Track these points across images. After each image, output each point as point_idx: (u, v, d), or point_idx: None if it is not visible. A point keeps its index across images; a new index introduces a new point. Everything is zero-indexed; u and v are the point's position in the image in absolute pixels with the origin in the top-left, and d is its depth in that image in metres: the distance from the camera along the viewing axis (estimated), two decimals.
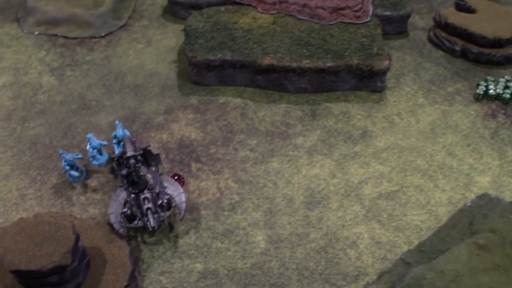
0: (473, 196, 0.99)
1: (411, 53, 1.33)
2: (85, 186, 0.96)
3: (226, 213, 0.92)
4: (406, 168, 1.01)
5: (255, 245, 0.87)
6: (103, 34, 1.37)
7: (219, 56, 1.17)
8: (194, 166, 1.02)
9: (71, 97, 1.13)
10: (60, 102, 1.11)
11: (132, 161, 0.87)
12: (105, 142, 1.00)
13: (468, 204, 0.97)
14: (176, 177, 0.97)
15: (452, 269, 0.79)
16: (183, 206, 0.89)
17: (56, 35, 1.35)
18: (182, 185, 0.96)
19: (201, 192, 0.96)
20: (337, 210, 0.93)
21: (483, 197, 0.99)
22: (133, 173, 0.87)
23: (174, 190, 0.92)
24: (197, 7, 1.41)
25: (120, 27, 1.41)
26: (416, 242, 0.90)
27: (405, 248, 0.89)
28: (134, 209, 0.86)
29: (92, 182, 0.98)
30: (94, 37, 1.37)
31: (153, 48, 1.32)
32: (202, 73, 1.20)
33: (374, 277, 0.85)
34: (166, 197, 0.88)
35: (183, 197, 0.90)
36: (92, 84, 1.19)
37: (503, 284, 0.79)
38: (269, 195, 0.96)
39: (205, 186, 0.97)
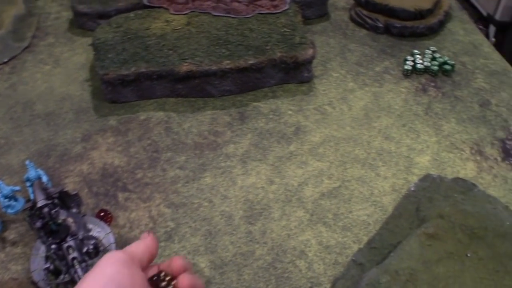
0: (415, 179, 0.95)
1: (334, 36, 1.28)
2: (2, 240, 0.86)
3: (162, 244, 0.84)
4: (345, 161, 0.97)
5: (198, 275, 0.81)
6: (5, 60, 1.24)
7: (133, 69, 1.08)
8: (121, 196, 0.93)
9: None
10: None
11: (45, 210, 0.78)
12: (17, 188, 0.90)
13: (412, 189, 0.94)
14: (102, 214, 0.88)
15: (406, 267, 0.75)
16: (113, 247, 0.81)
17: None
18: (109, 222, 0.88)
19: (133, 225, 0.88)
20: (279, 219, 0.88)
21: (426, 179, 0.96)
22: (50, 222, 0.78)
23: (101, 231, 0.84)
24: (105, 16, 1.31)
25: (24, 49, 1.28)
26: (365, 239, 0.86)
27: (355, 247, 0.84)
28: (57, 262, 0.77)
29: (11, 234, 0.87)
30: None
31: (62, 68, 1.21)
32: (117, 90, 1.10)
33: (328, 285, 0.80)
34: (92, 241, 0.79)
35: (111, 238, 0.82)
36: None
37: (459, 271, 0.76)
38: (205, 215, 0.89)
39: (135, 217, 0.90)
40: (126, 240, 0.86)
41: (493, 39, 2.82)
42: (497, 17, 2.74)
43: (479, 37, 1.33)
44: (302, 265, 0.82)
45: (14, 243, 0.87)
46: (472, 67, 1.23)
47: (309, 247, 0.84)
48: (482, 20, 2.81)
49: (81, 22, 1.36)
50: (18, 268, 0.83)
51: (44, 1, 1.49)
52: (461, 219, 0.81)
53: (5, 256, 0.85)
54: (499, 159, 1.00)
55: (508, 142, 1.04)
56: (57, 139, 1.05)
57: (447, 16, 1.36)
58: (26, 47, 1.30)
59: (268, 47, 1.11)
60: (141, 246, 0.52)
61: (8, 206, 0.90)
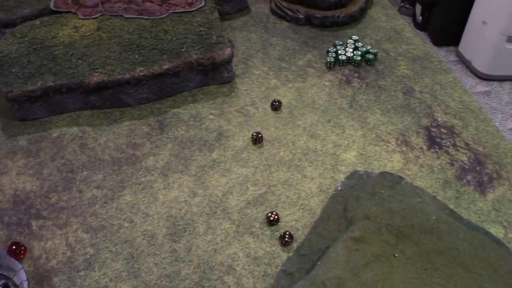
0: (342, 177, 0.94)
1: (255, 30, 1.24)
2: None
3: (82, 273, 0.79)
4: (270, 164, 0.94)
5: None
6: None
7: (39, 84, 1.00)
8: (35, 224, 0.87)
9: None
10: None
11: None
12: None
13: (339, 188, 0.92)
14: (14, 248, 0.82)
15: (333, 276, 0.73)
16: (25, 285, 0.75)
17: None
18: (23, 256, 0.81)
19: (49, 255, 0.82)
20: (205, 233, 0.84)
21: (353, 176, 0.95)
22: None
23: (11, 269, 0.77)
24: (11, 24, 1.21)
25: None
26: (294, 246, 0.84)
27: (284, 256, 0.82)
28: None
29: None
30: None
31: None
32: (25, 106, 1.02)
33: None
34: (1, 282, 0.73)
35: (23, 275, 0.75)
36: None
37: (388, 273, 0.75)
38: (127, 237, 0.84)
39: (52, 246, 0.83)
40: (42, 272, 0.80)
41: (420, 18, 2.87)
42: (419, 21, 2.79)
43: (401, 22, 1.32)
44: (231, 280, 0.79)
45: None
46: (395, 54, 1.22)
47: (237, 260, 0.81)
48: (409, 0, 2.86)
49: None
50: None
51: None
52: (387, 219, 0.80)
53: None
54: (424, 148, 1.00)
55: (432, 129, 1.04)
56: None
57: (368, 3, 1.35)
58: None
59: (183, 50, 1.06)
60: None
61: None
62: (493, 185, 0.94)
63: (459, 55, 2.78)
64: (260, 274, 0.80)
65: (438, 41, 2.84)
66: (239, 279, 0.79)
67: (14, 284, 0.75)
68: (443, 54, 2.77)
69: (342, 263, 0.74)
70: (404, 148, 0.99)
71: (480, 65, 2.65)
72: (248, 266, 0.81)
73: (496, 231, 0.86)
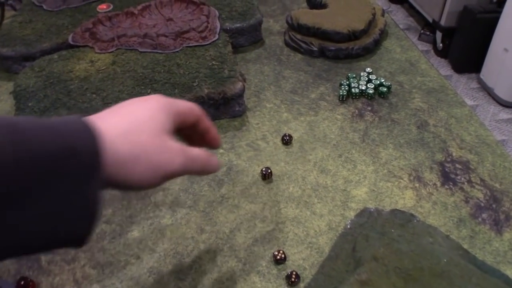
0: (352, 214, 0.92)
1: (269, 63, 1.25)
2: None
3: None
4: (278, 200, 0.93)
5: None
6: None
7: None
8: (44, 259, 0.87)
9: None
10: None
11: None
12: None
13: (348, 226, 0.91)
14: (22, 283, 0.83)
15: None
16: None
17: None
18: None
19: None
20: (211, 272, 0.83)
21: (363, 214, 0.93)
22: None
23: None
24: (30, 58, 1.24)
25: None
26: (301, 286, 0.82)
27: None
28: None
29: None
30: None
31: None
32: None
33: None
34: None
35: None
36: None
37: None
38: (133, 273, 0.84)
39: (59, 282, 0.84)
40: None
41: (440, 45, 2.85)
42: (443, 23, 2.77)
43: (416, 53, 1.31)
44: None
45: None
46: (409, 86, 1.21)
47: None
48: (429, 26, 2.84)
49: (6, 66, 1.29)
50: None
51: None
52: (395, 261, 0.78)
53: None
54: (438, 184, 0.98)
55: (446, 164, 1.02)
56: None
57: (383, 34, 1.35)
58: None
59: (195, 84, 1.07)
60: (186, 105, 0.57)
61: None
62: (510, 224, 0.91)
63: (480, 82, 2.74)
64: None
65: (459, 68, 2.81)
66: None
67: None
68: (464, 81, 2.74)
69: None
70: (417, 185, 0.97)
71: (502, 92, 2.62)
72: None
73: None
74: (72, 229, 0.45)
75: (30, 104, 1.05)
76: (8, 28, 1.31)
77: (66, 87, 1.08)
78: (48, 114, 1.03)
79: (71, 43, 1.21)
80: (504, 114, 2.66)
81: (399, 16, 3.96)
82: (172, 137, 0.53)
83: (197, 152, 0.57)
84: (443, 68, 3.18)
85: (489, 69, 2.63)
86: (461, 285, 0.76)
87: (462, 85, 2.91)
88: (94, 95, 1.06)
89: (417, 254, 0.80)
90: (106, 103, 1.04)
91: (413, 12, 3.69)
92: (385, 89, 1.15)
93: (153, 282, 0.84)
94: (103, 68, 1.13)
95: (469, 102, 2.79)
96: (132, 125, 0.49)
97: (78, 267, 0.86)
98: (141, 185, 0.51)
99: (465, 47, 2.72)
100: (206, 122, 0.61)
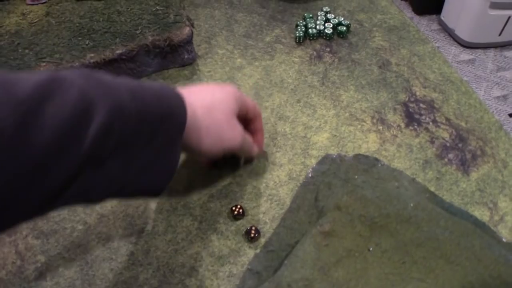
0: (314, 162, 0.87)
1: (219, 6, 1.16)
2: None
3: (33, 283, 0.73)
4: None
5: None
6: None
7: None
8: None
9: None
10: None
11: None
12: None
13: (310, 175, 0.85)
14: None
15: (300, 278, 0.67)
16: None
17: None
18: None
19: None
20: (165, 233, 0.77)
21: (325, 161, 0.88)
22: None
23: None
24: None
25: None
26: (262, 242, 0.77)
27: (251, 253, 0.75)
28: None
29: None
30: None
31: None
32: None
33: None
34: None
35: None
36: None
37: (362, 270, 0.68)
38: (80, 241, 0.77)
39: (1, 255, 0.76)
40: None
41: None
42: None
43: None
44: (193, 283, 0.73)
45: None
46: (369, 25, 1.14)
47: (200, 261, 0.75)
48: None
49: None
50: None
51: None
52: (360, 209, 0.74)
53: None
54: (402, 125, 0.94)
55: (410, 105, 0.98)
56: None
57: None
58: None
59: (138, 32, 0.98)
60: (252, 102, 0.71)
61: None
62: (477, 163, 0.88)
63: (441, 24, 2.70)
64: (225, 274, 0.73)
65: (420, 10, 2.75)
66: (202, 281, 0.73)
67: None
68: (425, 23, 2.68)
69: (310, 262, 0.67)
70: (381, 127, 0.92)
71: (463, 33, 2.58)
72: (212, 266, 0.74)
73: (481, 213, 0.81)
74: (158, 178, 0.55)
75: None
76: None
77: None
78: None
79: None
80: (465, 55, 2.64)
81: None
82: (237, 120, 0.65)
83: (249, 137, 0.72)
84: (404, 10, 3.12)
85: (449, 10, 2.58)
86: (429, 229, 0.72)
87: (423, 27, 2.86)
88: (26, 51, 0.96)
89: (383, 200, 0.75)
90: (40, 58, 0.94)
91: None
92: (344, 29, 1.08)
93: (103, 248, 0.77)
94: (35, 20, 1.02)
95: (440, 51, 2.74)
96: (212, 103, 0.60)
97: (20, 238, 0.79)
98: (207, 152, 0.62)
99: None
100: (260, 123, 0.75)
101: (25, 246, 0.78)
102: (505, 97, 2.43)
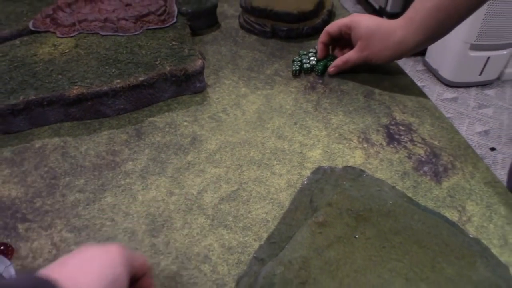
0: (308, 172, 1.01)
1: (225, 44, 1.33)
2: None
3: None
4: (241, 164, 1.01)
5: None
6: None
7: (21, 98, 1.07)
8: (21, 227, 0.92)
9: None
10: None
11: None
12: None
13: (305, 182, 0.99)
14: (2, 248, 0.87)
15: (298, 256, 0.80)
16: None
17: None
18: (11, 255, 0.87)
19: (35, 254, 0.87)
20: (182, 228, 0.90)
21: (318, 171, 1.02)
22: None
23: (0, 265, 0.83)
24: None
25: None
26: (265, 236, 0.90)
27: (256, 245, 0.89)
28: None
29: None
30: None
31: None
32: (8, 120, 1.08)
33: (233, 284, 0.83)
34: None
35: (11, 271, 0.81)
36: None
37: (349, 253, 0.81)
38: (109, 234, 0.90)
39: (38, 246, 0.89)
40: (30, 270, 0.86)
41: None
42: (388, 9, 2.93)
43: None
44: (207, 269, 0.85)
45: None
46: None
47: (212, 251, 0.88)
48: (376, 13, 3.00)
49: None
50: None
51: None
52: (347, 205, 0.88)
53: None
54: (384, 144, 1.08)
55: (391, 127, 1.13)
56: None
57: (331, 15, 1.45)
58: None
59: (157, 62, 1.14)
60: (141, 259, 0.61)
61: None
62: (448, 175, 1.02)
63: (426, 64, 2.90)
64: (234, 261, 0.86)
65: None
66: (215, 267, 0.85)
67: (4, 279, 0.80)
68: (411, 64, 2.90)
69: (307, 244, 0.81)
70: (365, 145, 1.07)
71: (446, 73, 2.78)
72: (223, 255, 0.87)
73: (451, 215, 0.94)
74: None
75: None
76: None
77: (31, 70, 1.12)
78: (16, 95, 1.07)
79: (32, 29, 1.25)
80: (449, 93, 2.84)
81: (347, 4, 4.12)
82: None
83: None
84: None
85: (433, 52, 2.79)
86: (405, 221, 0.86)
87: (409, 67, 3.07)
88: (60, 76, 1.11)
89: (366, 198, 0.90)
90: (72, 82, 1.09)
91: (361, 0, 3.85)
92: (330, 64, 1.24)
93: (129, 241, 0.90)
94: (66, 51, 1.18)
95: (417, 83, 2.95)
96: (93, 282, 0.46)
97: (55, 232, 0.92)
98: None
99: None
100: (149, 282, 0.66)
101: (60, 238, 0.91)
102: (486, 132, 2.60)
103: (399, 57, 1.13)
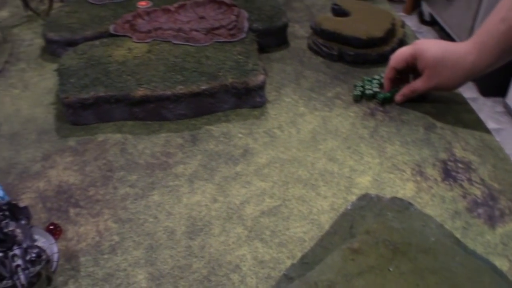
0: (354, 198, 1.00)
1: (291, 63, 1.35)
2: None
3: (106, 256, 0.89)
4: (287, 181, 1.01)
5: (135, 286, 0.85)
6: None
7: (92, 93, 1.14)
8: (72, 211, 0.98)
9: None
10: None
11: None
12: None
13: (349, 207, 0.98)
14: (51, 227, 0.93)
15: (325, 279, 0.79)
16: (55, 257, 0.86)
17: None
18: (59, 235, 0.92)
19: (80, 238, 0.92)
20: (219, 235, 0.92)
21: (363, 198, 1.00)
22: None
23: (46, 242, 0.89)
24: (74, 43, 1.37)
25: None
26: (299, 255, 0.90)
27: (288, 263, 0.88)
28: (1, 268, 0.82)
29: None
30: None
31: (30, 92, 1.28)
32: (78, 112, 1.16)
33: None
34: (35, 250, 0.84)
35: (55, 248, 0.87)
36: None
37: (380, 285, 0.79)
38: (149, 230, 0.93)
39: (84, 231, 0.94)
40: (72, 252, 0.91)
41: None
42: None
43: None
44: (236, 278, 0.86)
45: None
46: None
47: (244, 261, 0.89)
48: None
49: (52, 49, 1.43)
50: None
51: (19, 29, 1.57)
52: (386, 235, 0.85)
53: None
54: (439, 179, 1.05)
55: (449, 163, 1.09)
56: (19, 158, 1.10)
57: (401, 44, 1.43)
58: None
59: (221, 73, 1.17)
60: None
61: None
62: (504, 220, 0.97)
63: (506, 107, 2.76)
64: (264, 276, 0.86)
65: (485, 91, 2.84)
66: (244, 278, 0.86)
67: (46, 255, 0.86)
68: (489, 104, 2.77)
69: (336, 269, 0.80)
70: (419, 178, 1.04)
71: None
72: (254, 267, 0.88)
73: (501, 264, 0.89)
74: None
75: (71, 81, 1.17)
76: (55, 16, 1.45)
77: (105, 69, 1.20)
78: (87, 90, 1.15)
79: (112, 32, 1.34)
80: None
81: (429, 37, 4.02)
82: None
83: None
84: (469, 90, 3.21)
85: None
86: (445, 261, 0.82)
87: (487, 108, 2.94)
88: (129, 77, 1.17)
89: (407, 231, 0.87)
90: (139, 84, 1.15)
91: (443, 34, 3.74)
92: (392, 94, 1.23)
93: (167, 239, 0.93)
94: (139, 55, 1.25)
95: (493, 125, 2.82)
96: None
97: (102, 221, 0.97)
98: None
99: (492, 70, 2.77)
100: None
101: (105, 227, 0.96)
102: None
103: (468, 81, 1.10)
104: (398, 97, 1.22)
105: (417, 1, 3.99)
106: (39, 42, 1.48)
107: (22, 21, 1.60)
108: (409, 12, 4.13)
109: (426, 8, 3.90)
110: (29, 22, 1.60)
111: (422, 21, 4.09)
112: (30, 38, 1.52)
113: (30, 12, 1.61)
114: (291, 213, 0.98)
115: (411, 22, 4.13)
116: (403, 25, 1.45)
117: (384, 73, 1.30)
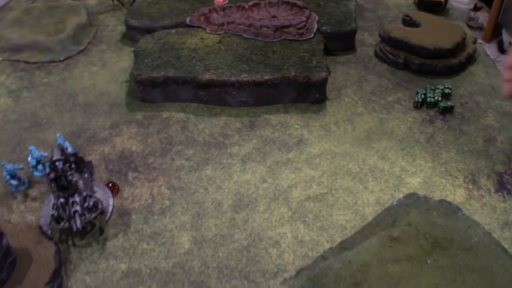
0: (401, 196, 1.00)
1: (356, 67, 1.37)
2: (25, 196, 1.00)
3: (155, 217, 0.94)
4: (337, 172, 1.04)
5: (179, 246, 0.90)
6: (62, 59, 1.43)
7: (162, 73, 1.22)
8: (131, 175, 1.05)
9: (24, 116, 1.18)
10: (13, 121, 1.16)
11: (58, 165, 0.91)
12: (46, 154, 1.05)
13: (395, 203, 0.99)
14: (111, 185, 1.00)
15: (360, 259, 0.80)
16: (110, 209, 0.93)
17: (18, 61, 1.42)
18: (116, 192, 1.00)
19: (134, 199, 0.99)
20: (263, 212, 0.95)
21: (410, 196, 1.00)
22: (62, 177, 0.91)
23: (103, 195, 0.96)
24: (152, 30, 1.47)
25: (79, 52, 1.47)
26: (339, 240, 0.92)
27: (327, 246, 0.90)
28: (61, 211, 0.90)
29: (33, 192, 1.01)
30: (53, 61, 1.43)
31: (107, 70, 1.38)
32: (147, 90, 1.24)
33: (293, 273, 0.86)
34: (93, 200, 0.91)
35: (110, 201, 0.93)
36: (46, 104, 1.24)
37: (415, 274, 0.79)
38: (198, 199, 0.98)
39: (138, 193, 1.01)
40: (126, 209, 0.97)
41: None
42: None
43: (500, 80, 1.36)
44: (274, 253, 0.89)
45: (34, 199, 1.00)
46: (485, 106, 1.26)
47: (284, 239, 0.91)
48: None
49: (131, 35, 1.53)
50: (33, 218, 0.96)
51: (105, 15, 1.70)
52: (427, 228, 0.86)
53: (25, 208, 0.98)
54: (492, 190, 1.03)
55: (505, 176, 1.07)
56: (90, 124, 1.20)
57: (470, 59, 1.41)
58: (81, 51, 1.50)
59: (285, 67, 1.22)
60: None
61: (35, 170, 1.04)
62: None
63: None
64: (301, 254, 0.89)
65: None
66: (282, 253, 0.89)
67: (102, 205, 0.93)
68: None
69: (373, 252, 0.81)
70: (471, 186, 1.03)
71: None
72: (293, 245, 0.90)
73: None
74: None
75: (146, 61, 1.26)
76: (138, 6, 1.56)
77: (177, 54, 1.28)
78: (158, 70, 1.23)
79: (188, 23, 1.42)
80: None
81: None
82: None
83: None
84: None
85: None
86: (486, 262, 0.81)
87: None
88: (198, 63, 1.25)
89: (450, 228, 0.86)
90: (207, 69, 1.22)
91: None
92: (448, 104, 1.21)
93: (213, 209, 0.98)
94: (210, 44, 1.32)
95: None
96: None
97: (156, 186, 1.03)
98: None
99: None
100: None
101: (158, 191, 1.02)
102: None
103: None
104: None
105: (498, 29, 3.85)
106: (121, 28, 1.60)
107: (107, 9, 1.74)
108: (488, 40, 3.98)
109: (507, 38, 3.77)
110: (113, 11, 1.74)
111: (502, 50, 3.94)
112: (114, 24, 1.65)
113: (116, 2, 1.74)
114: (336, 202, 0.99)
115: (490, 50, 4.00)
116: (475, 41, 1.44)
117: (447, 85, 1.30)
